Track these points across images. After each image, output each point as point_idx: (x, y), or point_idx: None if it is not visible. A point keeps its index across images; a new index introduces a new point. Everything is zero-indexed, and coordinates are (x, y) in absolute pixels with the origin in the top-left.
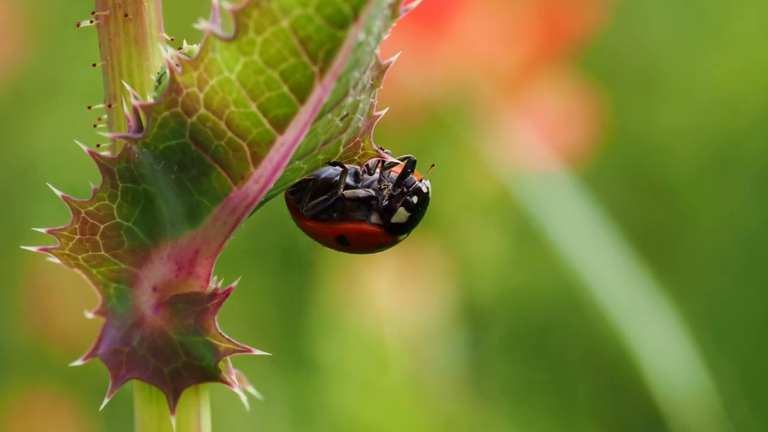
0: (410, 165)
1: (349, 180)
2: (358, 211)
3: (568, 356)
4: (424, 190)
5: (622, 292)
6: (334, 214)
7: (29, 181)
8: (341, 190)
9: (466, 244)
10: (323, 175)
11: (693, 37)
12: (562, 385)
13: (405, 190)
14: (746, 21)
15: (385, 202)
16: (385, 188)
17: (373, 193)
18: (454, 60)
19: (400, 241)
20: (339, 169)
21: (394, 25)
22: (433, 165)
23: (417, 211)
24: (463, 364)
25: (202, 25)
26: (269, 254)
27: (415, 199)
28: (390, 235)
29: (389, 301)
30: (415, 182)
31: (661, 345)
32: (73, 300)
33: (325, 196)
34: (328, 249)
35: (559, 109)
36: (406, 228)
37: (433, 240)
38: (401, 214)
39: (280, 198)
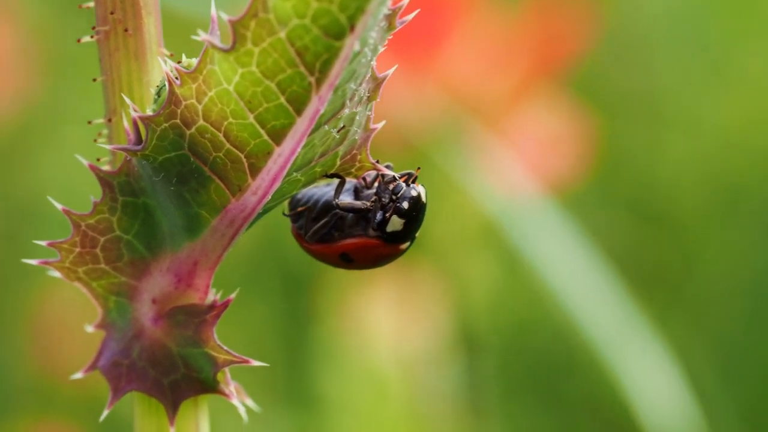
0: (404, 174)
1: (348, 196)
2: (356, 227)
3: (564, 382)
4: (414, 194)
5: (606, 322)
6: (335, 233)
7: (35, 214)
8: (335, 200)
9: (461, 270)
10: (323, 200)
11: (697, 67)
12: (558, 410)
13: (394, 197)
14: (751, 53)
15: (379, 212)
16: (377, 199)
17: (368, 204)
18: (445, 85)
19: (405, 250)
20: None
21: (390, 37)
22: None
23: (411, 217)
24: (460, 390)
25: (201, 36)
26: (270, 283)
27: (405, 204)
28: (389, 244)
29: (386, 329)
30: (403, 188)
31: (646, 376)
32: (77, 333)
33: (326, 219)
34: (327, 277)
35: (552, 133)
36: (404, 236)
37: (428, 266)
38: (395, 222)
39: (281, 224)
